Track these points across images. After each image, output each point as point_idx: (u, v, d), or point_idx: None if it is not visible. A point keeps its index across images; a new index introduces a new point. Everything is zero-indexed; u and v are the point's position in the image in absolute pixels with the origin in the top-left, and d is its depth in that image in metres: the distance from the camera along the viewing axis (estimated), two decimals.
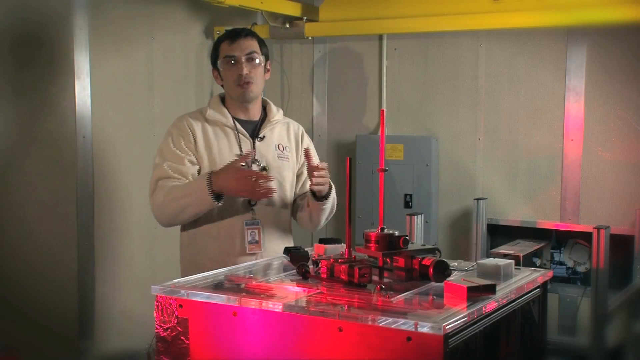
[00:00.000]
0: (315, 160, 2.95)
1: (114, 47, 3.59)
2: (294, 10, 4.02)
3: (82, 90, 3.42)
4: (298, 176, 2.92)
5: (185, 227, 2.83)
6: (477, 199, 3.86)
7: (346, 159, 2.16)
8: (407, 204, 4.03)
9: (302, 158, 2.91)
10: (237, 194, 2.64)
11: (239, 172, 2.58)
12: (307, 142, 2.97)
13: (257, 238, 2.73)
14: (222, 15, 4.11)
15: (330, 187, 2.75)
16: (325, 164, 2.66)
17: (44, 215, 3.30)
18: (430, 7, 3.77)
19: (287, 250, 2.41)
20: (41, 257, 3.29)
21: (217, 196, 2.59)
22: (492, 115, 3.94)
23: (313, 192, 2.72)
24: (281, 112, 2.93)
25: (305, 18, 4.08)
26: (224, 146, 2.75)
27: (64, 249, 3.40)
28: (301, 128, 2.99)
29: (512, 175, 3.89)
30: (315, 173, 2.61)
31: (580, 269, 3.76)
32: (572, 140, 3.73)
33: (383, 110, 2.29)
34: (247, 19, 4.16)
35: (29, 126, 3.22)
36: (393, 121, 4.17)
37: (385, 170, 2.15)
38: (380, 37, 4.20)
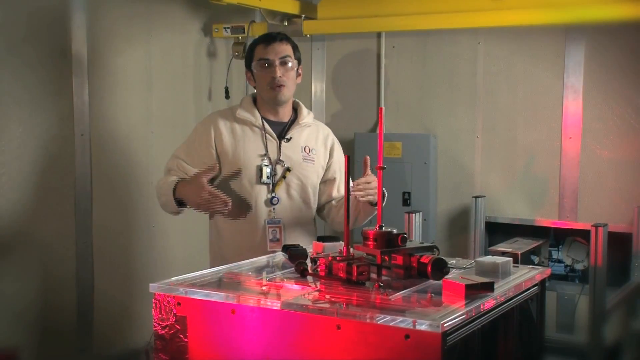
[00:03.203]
0: (340, 160, 2.99)
1: (113, 45, 3.59)
2: (293, 8, 4.01)
3: (81, 88, 3.42)
4: (332, 180, 2.97)
5: (213, 221, 2.93)
6: (476, 197, 3.86)
7: (344, 157, 2.16)
8: (406, 202, 4.04)
9: (334, 163, 2.98)
10: (195, 207, 2.75)
11: (199, 189, 2.65)
12: (337, 147, 3.02)
13: (278, 236, 2.83)
14: (220, 13, 4.11)
15: (384, 195, 2.69)
16: (368, 178, 2.61)
17: (42, 213, 3.30)
18: (429, 5, 3.77)
19: (285, 248, 2.41)
20: (39, 255, 3.29)
21: (183, 203, 2.76)
22: (490, 113, 3.94)
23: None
24: (311, 115, 3.00)
25: (303, 16, 4.08)
26: (249, 145, 2.84)
27: (63, 247, 3.40)
28: (331, 134, 3.04)
29: (510, 173, 3.90)
30: (355, 190, 2.58)
31: (579, 266, 3.77)
32: (570, 138, 3.73)
33: (381, 108, 2.29)
34: (245, 16, 4.16)
35: (27, 124, 3.22)
36: (391, 119, 4.17)
37: (383, 168, 2.15)
38: (379, 34, 4.19)
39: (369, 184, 2.61)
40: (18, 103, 3.19)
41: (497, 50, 3.91)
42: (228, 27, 4.10)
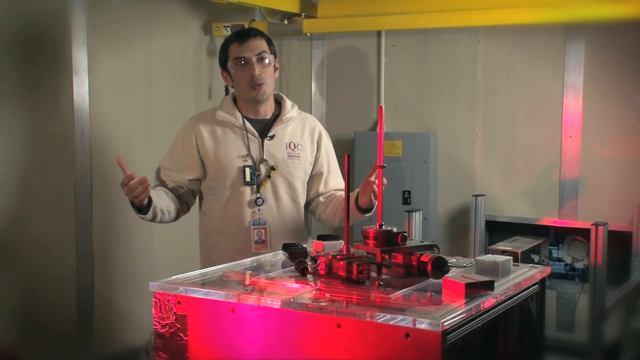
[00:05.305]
0: (328, 153, 2.94)
1: (113, 43, 3.58)
2: (293, 6, 4.01)
3: (80, 87, 3.41)
4: (319, 175, 2.90)
5: (201, 222, 2.92)
6: (476, 196, 3.86)
7: (344, 156, 2.15)
8: (406, 201, 4.03)
9: (322, 157, 2.91)
10: (134, 201, 2.58)
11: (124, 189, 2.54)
12: (325, 139, 2.95)
13: (263, 238, 2.77)
14: (220, 11, 4.11)
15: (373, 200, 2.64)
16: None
17: (42, 212, 3.29)
18: (429, 4, 3.77)
19: (285, 247, 2.41)
20: (39, 255, 3.29)
21: (147, 209, 2.63)
22: (490, 111, 3.94)
23: (357, 203, 2.65)
24: (296, 108, 2.92)
25: (303, 14, 4.07)
26: (230, 146, 2.79)
27: (62, 246, 3.39)
28: (318, 125, 2.96)
29: (510, 172, 3.90)
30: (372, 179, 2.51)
31: (579, 265, 3.76)
32: (570, 136, 3.73)
33: (381, 107, 2.29)
34: (245, 15, 4.16)
35: (27, 123, 3.22)
36: (391, 118, 4.17)
37: (383, 167, 2.15)
38: (379, 33, 4.19)
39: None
40: (18, 103, 3.19)
41: (497, 49, 3.90)
42: (228, 26, 4.09)
